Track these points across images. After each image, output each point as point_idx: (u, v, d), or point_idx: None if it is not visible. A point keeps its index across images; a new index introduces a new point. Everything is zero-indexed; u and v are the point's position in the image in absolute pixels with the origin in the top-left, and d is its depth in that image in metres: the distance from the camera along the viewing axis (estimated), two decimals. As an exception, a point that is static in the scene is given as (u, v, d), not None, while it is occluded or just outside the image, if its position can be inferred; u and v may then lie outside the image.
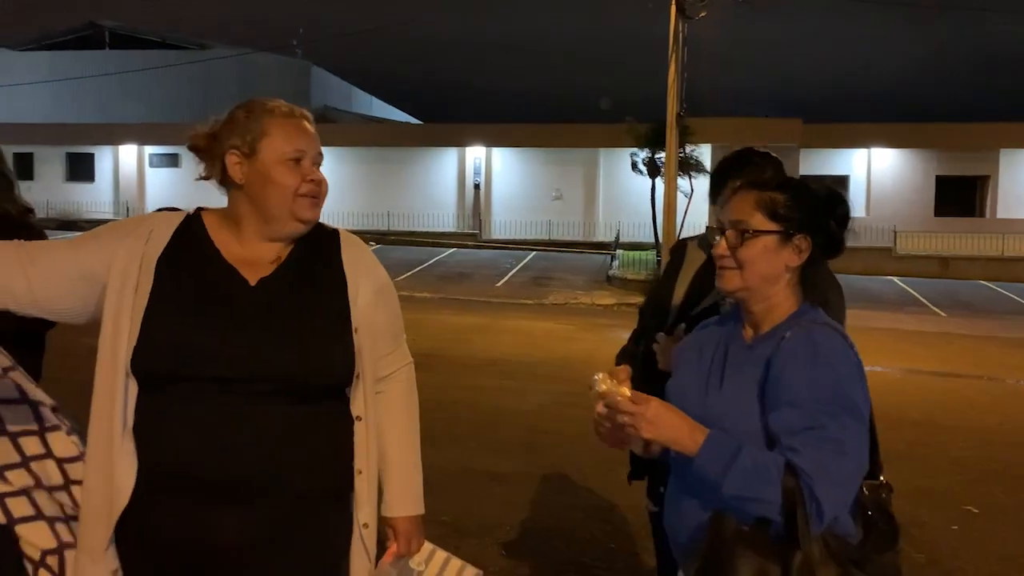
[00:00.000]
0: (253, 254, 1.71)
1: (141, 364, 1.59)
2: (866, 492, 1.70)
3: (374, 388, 1.76)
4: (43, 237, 2.75)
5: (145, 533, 1.62)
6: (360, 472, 1.71)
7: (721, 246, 1.67)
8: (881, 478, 1.78)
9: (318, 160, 1.73)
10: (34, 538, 1.80)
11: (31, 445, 1.88)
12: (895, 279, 23.87)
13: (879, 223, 26.75)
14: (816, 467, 1.46)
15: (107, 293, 1.64)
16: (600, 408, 1.59)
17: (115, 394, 1.60)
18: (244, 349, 1.60)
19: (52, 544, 1.81)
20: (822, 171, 27.71)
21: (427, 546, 1.88)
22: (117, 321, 1.62)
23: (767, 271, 1.65)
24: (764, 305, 1.67)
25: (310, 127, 1.73)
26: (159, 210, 1.82)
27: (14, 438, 1.85)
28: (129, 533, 1.62)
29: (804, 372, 1.54)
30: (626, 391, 1.57)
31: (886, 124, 29.74)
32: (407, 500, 1.84)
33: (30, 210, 2.79)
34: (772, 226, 1.64)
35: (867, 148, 28.69)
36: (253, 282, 1.67)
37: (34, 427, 1.88)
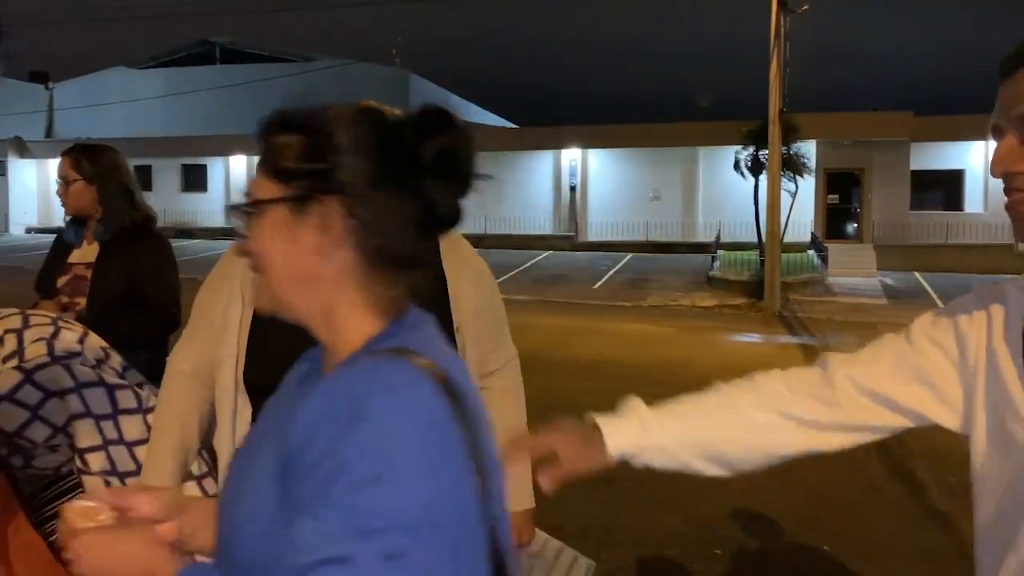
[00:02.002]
0: None
1: (249, 377, 1.66)
2: None
3: (479, 385, 1.75)
4: (165, 244, 2.89)
5: None
6: None
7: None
8: None
9: None
10: None
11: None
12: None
13: (998, 219, 25.31)
14: None
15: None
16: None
17: (229, 410, 1.69)
18: None
19: None
20: (935, 166, 26.51)
21: (540, 536, 1.86)
22: (224, 340, 1.70)
23: (289, 268, 0.94)
24: (327, 331, 0.96)
25: None
26: None
27: (130, 447, 1.92)
28: None
29: (335, 446, 0.81)
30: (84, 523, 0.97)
31: (1005, 114, 28.16)
32: (518, 494, 1.82)
33: (152, 218, 2.94)
34: (274, 190, 0.94)
35: (984, 140, 27.24)
36: None
37: (146, 437, 1.94)
